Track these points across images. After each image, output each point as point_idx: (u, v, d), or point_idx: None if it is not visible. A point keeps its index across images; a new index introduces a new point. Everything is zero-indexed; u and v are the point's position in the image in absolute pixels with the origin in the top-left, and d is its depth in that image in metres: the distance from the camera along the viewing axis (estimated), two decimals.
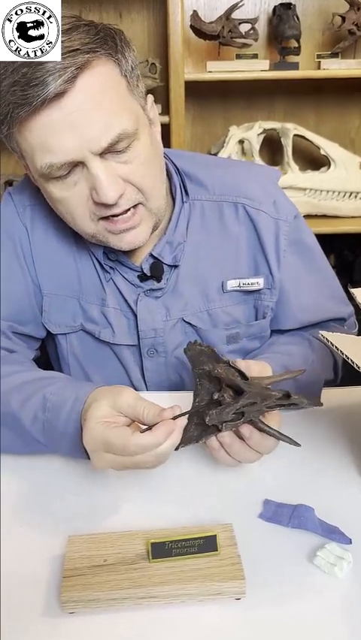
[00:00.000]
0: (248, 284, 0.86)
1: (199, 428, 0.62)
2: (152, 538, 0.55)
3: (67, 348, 0.90)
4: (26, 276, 0.87)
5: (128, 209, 0.73)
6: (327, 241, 1.06)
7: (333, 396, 0.83)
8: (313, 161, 1.88)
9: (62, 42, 0.64)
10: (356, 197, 1.79)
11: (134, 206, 0.74)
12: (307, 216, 1.79)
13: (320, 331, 0.60)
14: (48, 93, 0.63)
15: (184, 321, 0.87)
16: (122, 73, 0.70)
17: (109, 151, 0.68)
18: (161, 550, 0.54)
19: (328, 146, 1.77)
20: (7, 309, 0.86)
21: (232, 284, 0.86)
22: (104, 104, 0.67)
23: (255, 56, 1.73)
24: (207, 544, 0.55)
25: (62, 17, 0.67)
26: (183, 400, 0.83)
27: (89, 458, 0.63)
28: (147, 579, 0.53)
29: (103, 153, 0.68)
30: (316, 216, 1.80)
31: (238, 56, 1.73)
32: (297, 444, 0.61)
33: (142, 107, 0.74)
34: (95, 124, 0.66)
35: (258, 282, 0.86)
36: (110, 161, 0.69)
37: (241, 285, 0.86)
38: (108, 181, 0.68)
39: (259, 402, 0.60)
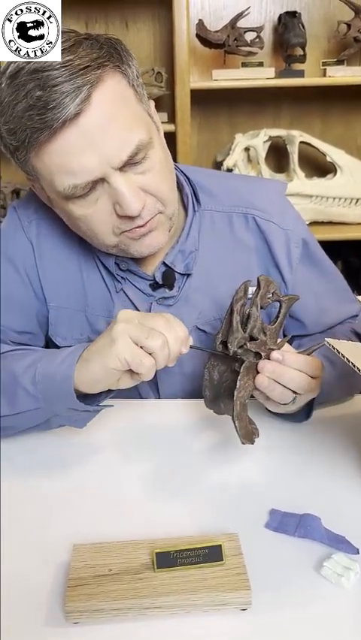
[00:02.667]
0: None
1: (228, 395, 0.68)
2: (157, 547, 0.55)
3: None
4: (29, 290, 0.87)
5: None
6: (333, 248, 1.06)
7: (340, 404, 0.83)
8: (320, 168, 1.88)
9: (71, 60, 0.63)
10: None
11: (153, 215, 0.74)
12: (314, 223, 1.79)
13: (326, 339, 0.60)
14: (68, 114, 0.63)
15: (198, 328, 0.86)
16: (129, 83, 0.70)
17: (127, 163, 0.69)
18: (166, 559, 0.54)
19: (334, 153, 1.77)
20: (6, 320, 0.86)
21: (251, 292, 0.86)
22: (119, 118, 0.67)
23: (260, 64, 1.74)
24: (212, 554, 0.54)
25: (62, 33, 0.67)
26: (199, 408, 0.83)
27: (81, 405, 0.68)
28: (151, 589, 0.52)
29: (122, 167, 0.68)
30: (322, 223, 1.80)
31: (244, 64, 1.74)
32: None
33: (149, 113, 0.74)
34: (113, 139, 0.66)
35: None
36: (130, 173, 0.70)
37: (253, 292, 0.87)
38: (131, 194, 0.69)
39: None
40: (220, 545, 0.55)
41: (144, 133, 0.69)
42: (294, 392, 0.68)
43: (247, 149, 1.78)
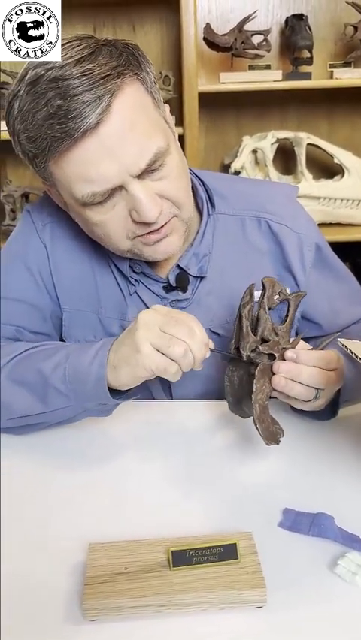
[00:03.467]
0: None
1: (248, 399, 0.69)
2: (172, 546, 0.55)
3: None
4: (43, 292, 0.88)
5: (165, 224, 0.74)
6: (341, 249, 1.06)
7: (355, 404, 0.83)
8: (327, 169, 1.89)
9: (90, 69, 0.63)
10: None
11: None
12: (322, 224, 1.79)
13: (339, 339, 0.60)
14: (89, 124, 0.63)
15: (212, 331, 0.87)
16: (147, 90, 0.70)
17: (145, 171, 0.69)
18: (182, 558, 0.54)
19: (341, 155, 1.77)
20: (18, 318, 0.87)
21: (257, 295, 0.87)
22: (138, 126, 0.67)
23: (268, 67, 1.75)
24: (227, 553, 0.55)
25: (80, 39, 0.67)
26: (212, 409, 0.84)
27: (113, 401, 0.70)
28: (168, 587, 0.53)
29: (140, 174, 0.69)
30: (330, 224, 1.80)
31: (251, 67, 1.74)
32: None
33: (165, 118, 0.75)
34: (132, 147, 0.67)
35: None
36: (147, 180, 0.70)
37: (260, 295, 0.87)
38: (148, 201, 0.69)
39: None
40: (235, 544, 0.55)
41: (162, 140, 0.70)
42: (315, 388, 0.68)
43: (254, 152, 1.78)
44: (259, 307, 0.68)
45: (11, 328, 0.86)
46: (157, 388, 0.90)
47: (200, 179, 0.87)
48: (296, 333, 0.76)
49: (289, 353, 0.67)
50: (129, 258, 0.82)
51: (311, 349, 0.70)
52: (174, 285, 0.85)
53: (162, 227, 0.74)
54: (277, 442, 0.66)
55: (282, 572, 0.56)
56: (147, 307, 0.84)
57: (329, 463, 0.72)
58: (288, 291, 0.73)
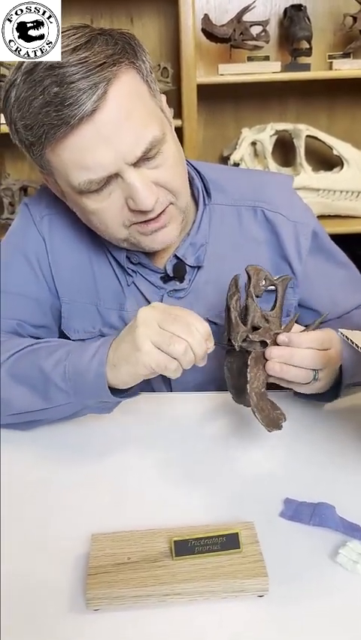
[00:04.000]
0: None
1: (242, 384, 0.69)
2: (175, 536, 0.56)
3: None
4: (42, 284, 0.88)
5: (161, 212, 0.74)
6: (341, 241, 1.06)
7: (355, 394, 0.83)
8: (326, 161, 1.88)
9: (87, 57, 0.64)
10: None
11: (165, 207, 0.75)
12: (321, 217, 1.79)
13: (340, 329, 0.60)
14: (85, 111, 0.63)
15: (209, 320, 0.86)
16: (143, 78, 0.71)
17: (141, 159, 0.69)
18: (184, 547, 0.55)
19: (340, 147, 1.77)
20: (19, 312, 0.87)
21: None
22: (134, 114, 0.68)
23: (266, 58, 1.74)
24: (229, 542, 0.55)
25: (76, 28, 0.67)
26: (212, 400, 0.84)
27: (114, 398, 0.70)
28: (170, 576, 0.53)
29: (136, 162, 0.69)
30: (329, 217, 1.80)
31: (250, 59, 1.74)
32: None
33: (161, 108, 0.75)
34: (128, 135, 0.67)
35: None
36: (143, 169, 0.70)
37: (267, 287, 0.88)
38: (144, 189, 0.69)
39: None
40: (237, 533, 0.56)
41: (158, 129, 0.70)
42: (312, 370, 0.68)
43: (253, 144, 1.78)
44: (247, 296, 0.69)
45: (12, 322, 0.86)
46: (156, 379, 0.90)
47: (196, 170, 0.87)
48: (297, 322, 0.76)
49: (281, 337, 0.67)
50: (127, 249, 0.82)
51: (304, 331, 0.71)
52: (172, 275, 0.85)
53: (160, 216, 0.74)
54: (279, 427, 0.66)
55: (283, 561, 0.57)
56: (145, 298, 0.86)
57: (330, 453, 0.72)
58: (274, 277, 0.72)
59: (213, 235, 0.87)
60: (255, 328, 0.68)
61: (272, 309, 0.70)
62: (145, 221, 0.74)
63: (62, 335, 0.92)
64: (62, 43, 0.65)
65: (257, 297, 0.69)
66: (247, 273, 0.69)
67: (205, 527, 0.58)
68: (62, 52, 0.64)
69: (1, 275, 0.87)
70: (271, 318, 0.69)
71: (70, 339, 0.90)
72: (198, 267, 0.86)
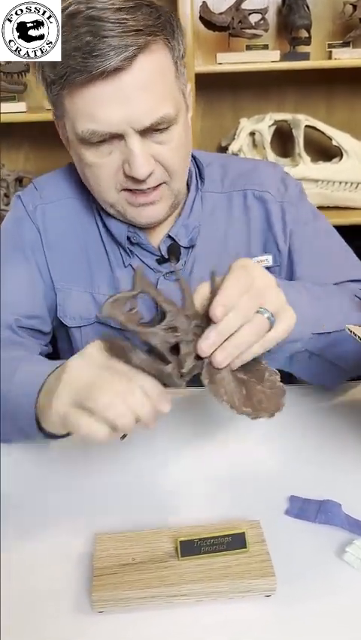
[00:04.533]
0: (258, 262, 0.87)
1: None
2: (180, 536, 0.55)
3: (81, 341, 0.92)
4: (37, 275, 0.88)
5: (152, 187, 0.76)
6: (339, 232, 1.05)
7: (359, 389, 0.82)
8: (325, 152, 1.86)
9: (126, 19, 0.66)
10: None
11: (158, 185, 0.77)
12: (320, 208, 1.75)
13: (347, 325, 0.59)
14: (108, 66, 0.65)
15: None
16: (173, 59, 0.73)
17: (148, 130, 0.72)
18: (190, 548, 0.54)
19: (340, 137, 1.75)
20: (15, 304, 0.86)
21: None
22: (154, 88, 0.70)
23: (265, 47, 1.72)
24: (235, 542, 0.55)
25: None
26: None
27: (35, 427, 0.61)
28: (177, 577, 0.52)
29: (143, 131, 0.71)
30: (328, 208, 1.78)
31: (248, 47, 1.71)
32: None
33: (183, 92, 0.77)
34: (142, 104, 0.69)
35: (267, 260, 0.89)
36: (147, 140, 0.73)
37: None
38: (143, 158, 0.72)
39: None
40: (244, 533, 0.55)
41: (172, 108, 0.72)
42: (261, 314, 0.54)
43: (252, 134, 1.76)
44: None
45: (10, 317, 0.86)
46: None
47: (191, 155, 0.88)
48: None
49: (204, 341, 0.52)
50: (127, 228, 0.84)
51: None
52: (166, 256, 0.86)
53: (151, 191, 0.76)
54: (280, 407, 0.55)
55: (289, 560, 0.56)
56: None
57: (335, 450, 0.72)
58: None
59: (206, 220, 0.88)
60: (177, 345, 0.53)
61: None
62: (135, 192, 0.76)
63: (58, 323, 0.92)
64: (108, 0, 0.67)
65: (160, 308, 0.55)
66: (133, 284, 0.56)
67: (211, 527, 0.58)
68: (105, 8, 0.66)
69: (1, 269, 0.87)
70: (185, 322, 0.54)
71: (66, 326, 0.91)
72: (192, 247, 0.87)
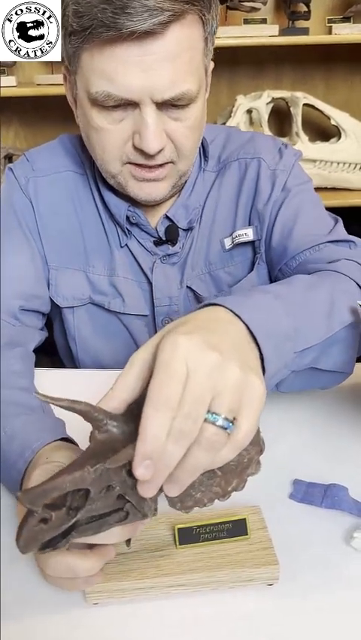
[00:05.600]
0: (237, 236, 0.84)
1: None
2: (178, 522, 0.52)
3: (73, 323, 0.88)
4: (33, 249, 0.84)
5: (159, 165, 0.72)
6: (337, 214, 1.01)
7: None
8: (324, 131, 1.82)
9: None
10: None
11: (165, 163, 0.73)
12: (317, 189, 1.73)
13: (359, 302, 0.55)
14: (139, 27, 0.60)
15: (188, 287, 0.85)
16: (204, 34, 0.68)
17: (166, 104, 0.67)
18: (188, 535, 0.51)
19: (338, 116, 1.71)
20: (16, 285, 0.82)
21: (228, 242, 0.85)
22: (180, 61, 0.65)
23: (263, 21, 1.67)
24: (236, 528, 0.51)
25: None
26: None
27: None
28: (174, 566, 0.49)
29: (161, 104, 0.67)
30: (325, 189, 1.74)
31: (246, 21, 1.66)
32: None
33: (207, 70, 0.74)
34: (166, 75, 0.65)
35: (246, 233, 0.84)
36: (163, 114, 0.69)
37: (233, 239, 0.85)
38: (156, 132, 0.68)
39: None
40: (245, 519, 0.52)
41: (195, 85, 0.68)
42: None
43: (249, 112, 1.71)
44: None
45: (14, 303, 0.81)
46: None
47: None
48: None
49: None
50: (127, 207, 0.81)
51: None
52: (164, 238, 0.83)
53: (157, 168, 0.73)
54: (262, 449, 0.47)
55: (294, 547, 0.53)
56: (138, 262, 0.84)
57: (340, 433, 0.68)
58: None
59: (207, 199, 0.85)
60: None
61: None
62: (140, 165, 0.72)
63: (51, 304, 0.88)
64: None
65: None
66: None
67: (210, 513, 0.54)
68: None
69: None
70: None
71: (59, 307, 0.87)
72: (191, 230, 0.84)
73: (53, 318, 0.92)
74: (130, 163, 0.72)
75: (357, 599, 0.49)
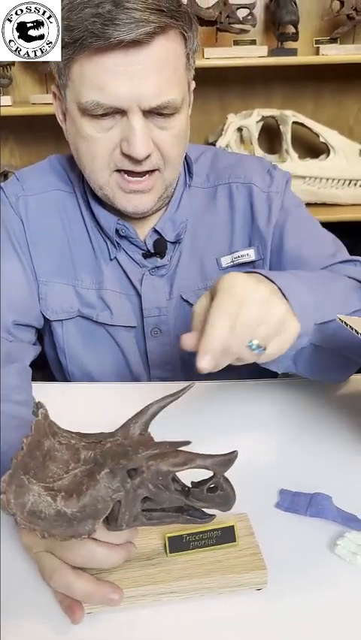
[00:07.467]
0: (239, 257, 0.88)
1: None
2: (168, 531, 0.54)
3: (62, 336, 0.90)
4: (24, 264, 0.87)
5: (146, 173, 0.76)
6: (327, 229, 1.04)
7: (351, 382, 0.82)
8: (313, 148, 1.86)
9: None
10: (355, 184, 1.78)
11: (151, 172, 0.76)
12: (307, 205, 1.75)
13: (338, 315, 0.58)
14: (127, 37, 0.65)
15: (182, 298, 0.88)
16: (186, 50, 0.73)
17: (153, 112, 0.71)
18: (178, 543, 0.53)
19: (327, 134, 1.75)
20: (8, 300, 0.84)
21: (225, 260, 0.89)
22: (166, 71, 0.70)
23: (253, 42, 1.71)
24: (225, 536, 0.53)
25: None
26: (206, 390, 0.81)
27: None
28: (165, 574, 0.51)
29: (147, 112, 0.71)
30: (315, 204, 1.78)
31: (236, 43, 1.71)
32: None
33: (189, 86, 0.78)
34: (152, 84, 0.69)
35: (248, 254, 0.88)
36: (150, 122, 0.72)
37: (234, 259, 0.88)
38: (142, 136, 0.71)
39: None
40: (233, 526, 0.54)
41: (180, 96, 0.72)
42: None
43: (239, 130, 1.75)
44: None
45: (8, 318, 0.84)
46: (137, 362, 0.90)
47: None
48: None
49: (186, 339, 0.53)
50: (117, 220, 0.83)
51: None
52: (152, 250, 0.86)
53: (145, 177, 0.76)
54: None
55: (281, 553, 0.55)
56: (126, 274, 0.87)
57: (324, 443, 0.71)
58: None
59: (192, 213, 0.88)
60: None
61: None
62: (128, 176, 0.75)
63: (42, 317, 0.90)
64: None
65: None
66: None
67: None
68: None
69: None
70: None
71: (49, 320, 0.89)
72: (178, 243, 0.87)
73: (43, 332, 0.94)
74: (118, 171, 0.76)
75: (340, 603, 0.51)
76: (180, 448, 0.47)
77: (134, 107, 0.70)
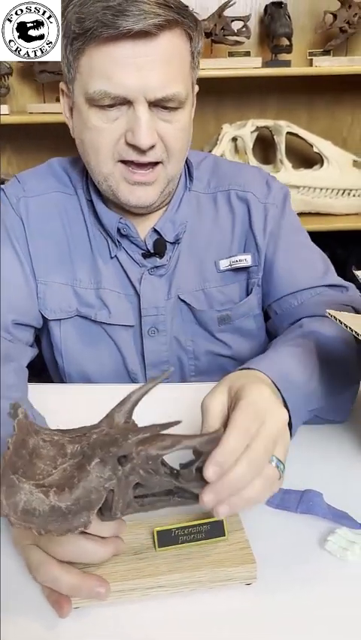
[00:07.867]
0: (237, 261, 0.89)
1: None
2: (156, 525, 0.53)
3: (60, 336, 0.90)
4: (24, 264, 0.88)
5: (150, 165, 0.77)
6: (320, 239, 1.05)
7: None
8: (306, 159, 1.88)
9: None
10: (349, 194, 1.79)
11: (155, 164, 0.77)
12: (301, 214, 1.78)
13: (328, 310, 0.58)
14: (137, 27, 0.67)
15: (180, 299, 0.89)
16: (191, 49, 0.76)
17: (158, 104, 0.73)
18: (167, 538, 0.52)
19: (321, 144, 1.77)
20: (8, 299, 0.85)
21: (224, 263, 0.90)
22: (172, 65, 0.72)
23: (247, 54, 1.74)
24: (214, 530, 0.53)
25: None
26: (198, 390, 0.81)
27: None
28: (154, 568, 0.51)
29: (153, 105, 0.73)
30: (309, 214, 1.80)
31: (231, 54, 1.73)
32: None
33: (193, 86, 0.80)
34: (159, 75, 0.71)
35: (246, 259, 0.89)
36: (155, 114, 0.74)
37: (231, 263, 0.90)
38: (148, 127, 0.73)
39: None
40: (222, 521, 0.53)
41: (184, 90, 0.74)
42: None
43: (234, 140, 1.77)
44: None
45: (7, 318, 0.84)
46: (134, 362, 0.90)
47: None
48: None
49: (208, 471, 0.46)
50: (119, 219, 0.84)
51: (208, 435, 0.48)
52: (152, 250, 0.86)
53: (149, 169, 0.77)
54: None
55: (271, 549, 0.55)
56: (126, 274, 0.88)
57: (315, 440, 0.71)
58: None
59: (191, 217, 0.89)
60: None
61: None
62: (132, 167, 0.76)
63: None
64: None
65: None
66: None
67: (188, 516, 0.56)
68: None
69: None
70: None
71: (46, 320, 0.90)
72: (177, 243, 0.88)
73: (40, 334, 0.94)
74: (122, 161, 0.76)
75: (332, 598, 0.50)
76: (169, 430, 0.46)
77: (140, 98, 0.71)
